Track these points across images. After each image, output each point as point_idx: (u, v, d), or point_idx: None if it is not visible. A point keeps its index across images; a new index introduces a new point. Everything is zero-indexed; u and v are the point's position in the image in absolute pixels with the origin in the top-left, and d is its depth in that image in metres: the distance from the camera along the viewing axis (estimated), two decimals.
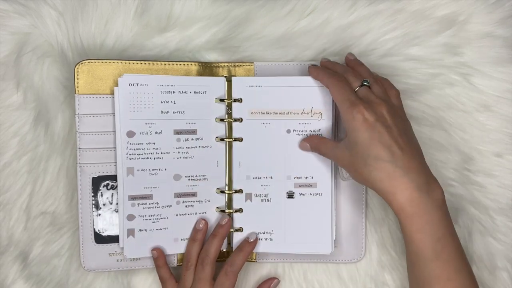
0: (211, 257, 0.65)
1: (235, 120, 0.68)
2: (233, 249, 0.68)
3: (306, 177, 0.68)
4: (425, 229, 0.56)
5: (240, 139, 0.68)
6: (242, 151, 0.68)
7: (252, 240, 0.67)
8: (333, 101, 0.67)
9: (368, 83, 0.61)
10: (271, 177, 0.68)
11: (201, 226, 0.67)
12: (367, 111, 0.58)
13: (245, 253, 0.66)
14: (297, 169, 0.68)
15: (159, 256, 0.67)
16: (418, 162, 0.57)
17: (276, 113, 0.67)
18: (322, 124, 0.67)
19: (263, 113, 0.68)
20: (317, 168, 0.68)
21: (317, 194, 0.68)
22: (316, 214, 0.68)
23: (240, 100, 0.68)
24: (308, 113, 0.67)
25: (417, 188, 0.56)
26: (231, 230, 0.68)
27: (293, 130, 0.67)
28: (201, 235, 0.67)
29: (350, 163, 0.60)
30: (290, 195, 0.68)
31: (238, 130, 0.68)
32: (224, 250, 0.69)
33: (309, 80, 0.67)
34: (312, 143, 0.66)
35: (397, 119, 0.59)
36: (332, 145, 0.63)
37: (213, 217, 0.69)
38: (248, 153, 0.68)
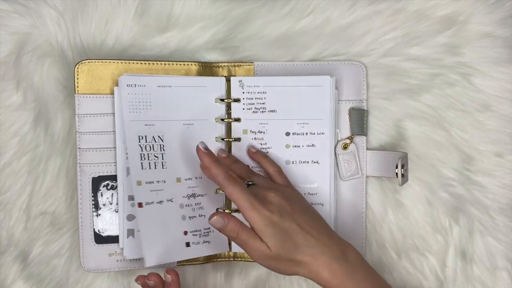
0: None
1: (234, 120, 0.68)
2: (232, 250, 0.68)
3: (306, 177, 0.68)
4: None
5: (239, 139, 0.68)
6: (240, 151, 0.68)
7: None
8: (332, 102, 0.67)
9: (252, 182, 0.62)
10: None
11: (169, 277, 0.62)
12: (269, 211, 0.58)
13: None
14: (295, 171, 0.68)
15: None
16: (326, 235, 0.60)
17: (275, 113, 0.67)
18: (321, 124, 0.67)
19: (262, 113, 0.67)
20: (316, 169, 0.68)
21: (316, 193, 0.68)
22: None
23: (238, 100, 0.68)
24: (306, 113, 0.67)
25: (335, 260, 0.58)
26: (231, 210, 0.67)
27: (292, 131, 0.67)
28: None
29: (270, 257, 0.58)
30: None
31: (236, 130, 0.68)
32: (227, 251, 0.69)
33: (307, 80, 0.67)
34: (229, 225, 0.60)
35: (292, 200, 0.61)
36: (252, 235, 0.59)
37: (213, 200, 0.68)
38: (246, 153, 0.68)
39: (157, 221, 0.65)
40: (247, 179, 0.63)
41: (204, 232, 0.67)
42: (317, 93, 0.67)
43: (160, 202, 0.66)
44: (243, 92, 0.68)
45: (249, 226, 0.59)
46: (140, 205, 0.64)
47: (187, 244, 0.66)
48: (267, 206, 0.59)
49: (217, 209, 0.68)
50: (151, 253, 0.63)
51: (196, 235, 0.67)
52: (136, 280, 0.62)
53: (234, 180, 0.60)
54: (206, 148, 0.63)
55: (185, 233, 0.66)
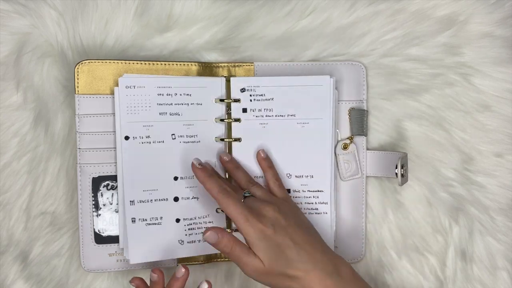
0: None
1: (234, 120, 0.68)
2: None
3: (307, 176, 0.68)
4: None
5: (239, 140, 0.68)
6: (241, 151, 0.68)
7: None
8: (332, 101, 0.67)
9: (248, 194, 0.63)
10: None
11: (180, 275, 0.61)
12: (262, 223, 0.59)
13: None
14: (296, 170, 0.68)
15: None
16: (320, 250, 0.60)
17: (275, 114, 0.67)
18: (321, 123, 0.67)
19: (262, 114, 0.67)
20: (317, 168, 0.68)
21: (317, 196, 0.68)
22: (315, 215, 0.68)
23: (239, 101, 0.68)
24: (306, 113, 0.67)
25: (328, 276, 0.58)
26: (231, 230, 0.68)
27: (292, 130, 0.67)
28: (180, 284, 0.61)
29: (263, 272, 0.59)
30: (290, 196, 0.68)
31: (236, 130, 0.68)
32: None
33: (307, 80, 0.67)
34: (221, 238, 0.60)
35: (287, 215, 0.61)
36: (245, 250, 0.60)
37: (214, 218, 0.69)
38: (246, 153, 0.68)
39: (147, 219, 0.66)
40: (245, 190, 0.63)
41: (199, 232, 0.68)
42: (317, 92, 0.67)
43: (153, 201, 0.66)
44: (242, 92, 0.68)
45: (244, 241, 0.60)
46: (131, 203, 0.66)
47: (181, 243, 0.67)
48: (261, 220, 0.59)
49: (216, 210, 0.68)
50: (137, 251, 0.65)
51: (191, 234, 0.68)
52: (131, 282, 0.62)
53: (228, 193, 0.61)
54: (201, 164, 0.65)
55: (179, 231, 0.67)
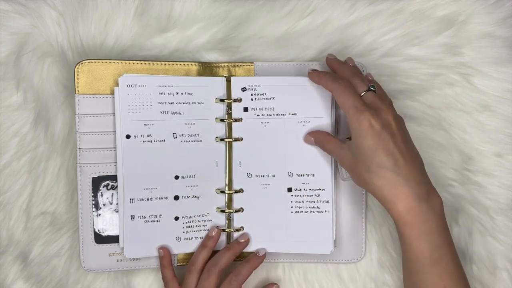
0: (219, 267, 0.65)
1: (235, 120, 0.68)
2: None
3: (308, 175, 0.68)
4: (423, 237, 0.56)
5: (240, 139, 0.68)
6: (242, 150, 0.68)
7: (260, 255, 0.67)
8: (332, 99, 0.67)
9: (374, 88, 0.61)
10: (273, 175, 0.68)
11: (213, 234, 0.67)
12: (374, 117, 0.58)
13: (251, 266, 0.66)
14: (297, 169, 0.68)
15: (165, 255, 0.67)
16: (419, 171, 0.58)
17: (276, 113, 0.67)
18: (322, 122, 0.67)
19: (263, 112, 0.67)
20: (318, 167, 0.68)
21: (318, 194, 0.68)
22: (316, 214, 0.68)
23: (239, 100, 0.68)
24: (307, 112, 0.67)
25: (416, 198, 0.56)
26: (231, 230, 0.68)
27: (293, 129, 0.67)
28: (212, 243, 0.67)
29: (352, 166, 0.60)
30: (291, 195, 0.68)
31: (238, 130, 0.68)
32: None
33: (308, 79, 0.67)
34: (317, 138, 0.66)
35: (401, 127, 0.60)
36: (337, 144, 0.63)
37: (214, 217, 0.69)
38: (248, 152, 0.68)
39: (146, 217, 0.66)
40: (370, 84, 0.61)
41: (198, 229, 0.68)
42: (318, 91, 0.67)
43: (153, 199, 0.67)
44: (244, 91, 0.68)
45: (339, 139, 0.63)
46: (131, 201, 0.66)
47: (178, 239, 0.67)
48: (374, 115, 0.58)
49: (217, 208, 0.69)
50: (132, 246, 0.66)
51: (189, 231, 0.68)
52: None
53: (345, 83, 0.60)
54: (314, 69, 0.65)
55: (177, 229, 0.67)
